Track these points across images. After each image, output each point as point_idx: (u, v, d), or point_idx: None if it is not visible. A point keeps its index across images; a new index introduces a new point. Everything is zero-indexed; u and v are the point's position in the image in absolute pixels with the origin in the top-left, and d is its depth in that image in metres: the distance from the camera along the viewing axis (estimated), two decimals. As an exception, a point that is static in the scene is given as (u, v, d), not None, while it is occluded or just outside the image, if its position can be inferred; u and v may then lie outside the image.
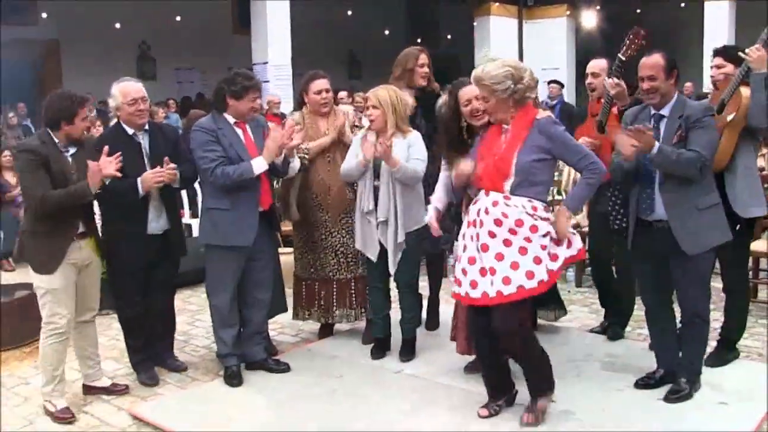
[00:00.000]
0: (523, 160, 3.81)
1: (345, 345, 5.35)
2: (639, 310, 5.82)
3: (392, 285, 5.12)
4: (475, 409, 4.14)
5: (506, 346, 3.94)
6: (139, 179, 4.41)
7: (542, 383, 4.04)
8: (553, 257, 3.84)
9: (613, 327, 5.29)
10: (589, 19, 15.92)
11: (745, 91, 4.34)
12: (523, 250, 3.79)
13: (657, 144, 3.96)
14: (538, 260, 3.79)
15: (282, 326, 5.78)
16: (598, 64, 5.15)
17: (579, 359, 4.90)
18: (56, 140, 4.27)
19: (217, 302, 4.71)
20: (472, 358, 4.64)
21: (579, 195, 4.00)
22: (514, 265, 3.77)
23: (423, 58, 5.32)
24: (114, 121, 4.75)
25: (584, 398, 4.30)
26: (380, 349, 5.10)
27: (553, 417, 4.10)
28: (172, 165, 4.47)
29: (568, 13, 16.22)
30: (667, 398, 4.21)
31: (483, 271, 3.83)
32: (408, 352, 5.03)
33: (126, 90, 4.53)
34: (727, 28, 13.92)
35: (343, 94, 10.73)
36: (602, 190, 4.88)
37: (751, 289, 6.06)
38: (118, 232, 4.56)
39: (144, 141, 4.59)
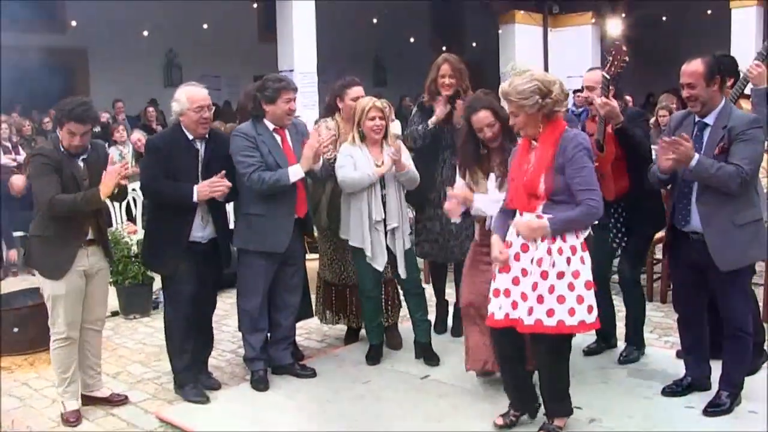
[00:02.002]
0: (550, 182, 3.73)
1: (371, 350, 5.35)
2: (666, 318, 5.82)
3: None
4: (502, 420, 4.13)
5: (541, 372, 3.94)
6: (195, 187, 4.36)
7: (561, 409, 3.96)
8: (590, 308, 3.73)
9: (627, 348, 5.00)
10: (615, 26, 15.83)
11: (745, 105, 4.31)
12: (571, 286, 3.70)
13: (696, 156, 3.83)
14: (581, 299, 3.70)
15: (308, 332, 5.80)
16: (591, 77, 4.77)
17: (607, 366, 4.87)
18: (62, 147, 4.25)
19: (248, 306, 4.73)
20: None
21: (565, 220, 3.70)
22: (561, 299, 3.69)
23: (444, 69, 5.28)
24: (173, 123, 4.62)
25: (611, 405, 4.28)
26: (377, 355, 5.13)
27: (580, 424, 4.08)
28: (227, 182, 4.39)
29: (593, 20, 16.14)
30: (706, 412, 4.13)
31: (524, 296, 3.76)
32: (431, 356, 5.03)
33: (194, 96, 4.43)
34: (754, 33, 13.77)
35: None
36: (606, 207, 4.82)
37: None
38: (162, 235, 4.50)
39: (201, 148, 4.52)
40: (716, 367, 4.29)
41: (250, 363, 4.81)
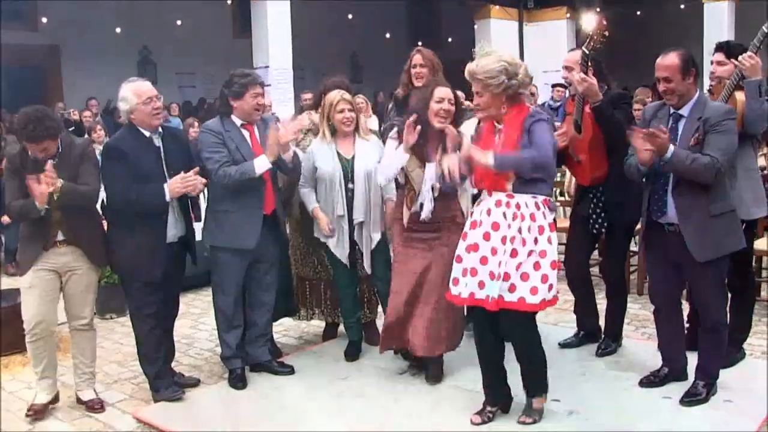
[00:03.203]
0: None
1: (349, 347, 5.33)
2: (643, 310, 5.86)
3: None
4: (476, 408, 4.14)
5: (515, 347, 3.97)
6: (165, 185, 4.30)
7: (539, 384, 4.03)
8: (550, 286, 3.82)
9: (605, 341, 5.00)
10: (589, 21, 15.92)
11: (740, 96, 4.32)
12: (537, 266, 3.77)
13: (671, 148, 3.85)
14: (545, 279, 3.78)
15: (286, 329, 5.78)
16: (571, 57, 4.71)
17: (584, 359, 4.89)
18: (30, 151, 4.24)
19: (222, 304, 4.71)
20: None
21: (510, 158, 3.74)
22: (524, 276, 3.76)
23: (416, 59, 5.27)
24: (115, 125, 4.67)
25: (589, 397, 4.30)
26: (356, 351, 5.13)
27: (559, 416, 4.10)
28: (200, 178, 4.33)
29: (568, 15, 16.23)
30: (683, 401, 4.16)
31: (492, 275, 3.80)
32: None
33: (140, 90, 4.37)
34: (726, 28, 13.91)
35: (308, 95, 10.74)
36: (585, 193, 4.86)
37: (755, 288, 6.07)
38: (136, 239, 4.36)
39: (160, 144, 4.46)
40: (692, 358, 4.33)
41: (227, 361, 4.78)
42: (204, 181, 4.38)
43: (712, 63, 4.64)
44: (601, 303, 5.13)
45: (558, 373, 4.43)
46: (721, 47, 4.61)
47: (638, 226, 4.87)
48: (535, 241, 3.77)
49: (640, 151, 3.94)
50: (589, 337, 5.09)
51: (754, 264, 6.08)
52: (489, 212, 3.85)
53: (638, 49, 13.68)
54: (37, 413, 4.38)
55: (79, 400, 4.54)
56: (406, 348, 4.59)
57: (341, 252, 4.90)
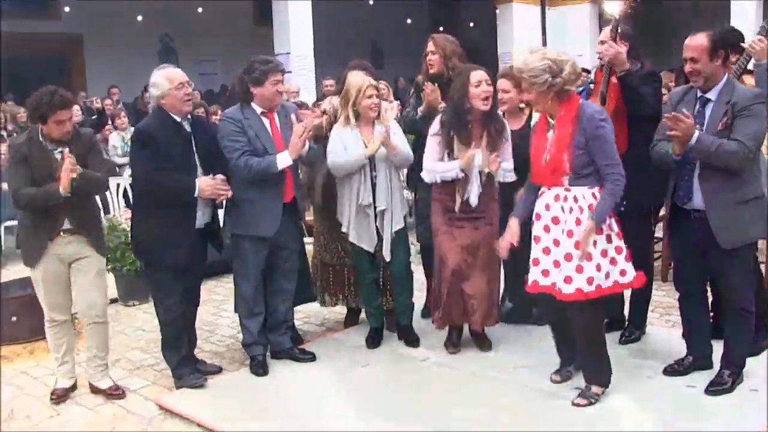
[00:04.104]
0: (572, 159, 3.88)
1: (370, 334, 5.32)
2: (667, 297, 5.80)
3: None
4: (500, 399, 4.13)
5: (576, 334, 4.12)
6: (198, 182, 4.29)
7: (597, 376, 4.11)
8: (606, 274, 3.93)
9: (629, 328, 4.97)
10: (612, 5, 15.76)
11: (749, 80, 4.24)
12: (604, 253, 3.91)
13: (696, 133, 3.78)
14: (599, 267, 3.89)
15: (307, 316, 5.78)
16: (606, 32, 4.63)
17: (608, 346, 4.78)
18: (41, 138, 4.24)
19: (243, 291, 4.71)
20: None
21: (603, 207, 3.86)
22: (579, 268, 3.89)
23: (428, 46, 5.21)
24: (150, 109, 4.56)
25: (613, 385, 4.24)
26: (377, 339, 5.12)
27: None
28: (227, 188, 4.38)
29: (590, -1, 16.05)
30: (708, 391, 4.11)
31: (556, 263, 3.96)
32: (411, 337, 5.08)
33: (172, 75, 4.37)
34: (754, 19, 13.67)
35: (329, 82, 10.78)
36: None
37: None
38: (164, 224, 4.33)
39: (189, 130, 4.44)
40: (717, 346, 4.27)
41: (248, 348, 4.79)
42: (230, 193, 4.40)
43: None
44: (626, 290, 5.07)
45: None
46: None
47: (662, 212, 4.80)
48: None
49: (674, 139, 3.85)
50: (613, 324, 5.03)
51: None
52: (548, 207, 3.99)
53: (664, 33, 13.53)
54: (60, 397, 4.46)
55: (93, 389, 4.56)
56: (460, 325, 4.86)
57: (369, 242, 4.86)
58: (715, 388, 4.10)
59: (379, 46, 19.73)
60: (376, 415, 4.11)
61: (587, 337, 4.06)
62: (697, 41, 3.91)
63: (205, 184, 4.31)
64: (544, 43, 15.72)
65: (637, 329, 4.95)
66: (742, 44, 4.25)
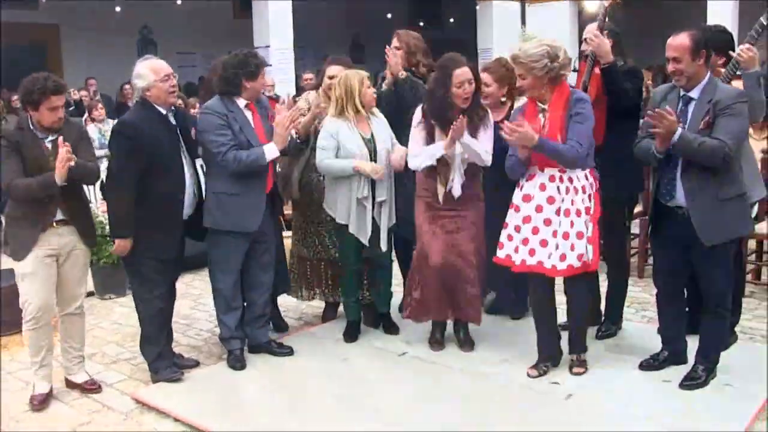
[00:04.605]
0: (565, 141, 4.07)
1: (348, 328, 5.32)
2: (643, 293, 5.85)
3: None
4: (479, 393, 4.16)
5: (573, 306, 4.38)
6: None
7: (583, 343, 4.43)
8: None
9: (605, 323, 5.01)
10: (592, 3, 15.81)
11: (737, 85, 4.27)
12: (566, 235, 4.12)
13: (679, 130, 3.82)
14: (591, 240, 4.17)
15: (285, 309, 5.76)
16: (590, 28, 4.68)
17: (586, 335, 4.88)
18: (31, 126, 4.14)
19: (221, 286, 4.69)
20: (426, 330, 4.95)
21: (551, 147, 4.05)
22: (572, 246, 4.12)
23: (393, 41, 5.26)
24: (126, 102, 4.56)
25: (589, 380, 4.29)
26: (355, 332, 5.12)
27: (557, 398, 4.11)
28: None
29: (571, -4, 16.11)
30: (683, 385, 4.15)
31: (544, 243, 4.14)
32: (390, 325, 5.17)
33: (157, 66, 4.33)
34: (730, 18, 13.76)
35: (309, 76, 10.79)
36: None
37: (753, 271, 6.07)
38: (154, 216, 4.30)
39: (174, 122, 4.43)
40: (691, 342, 4.33)
41: (226, 342, 4.78)
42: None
43: None
44: (602, 285, 5.11)
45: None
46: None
47: (638, 208, 4.85)
48: (587, 210, 4.13)
49: (657, 136, 3.89)
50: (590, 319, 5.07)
51: (755, 247, 6.09)
52: (543, 187, 4.15)
53: (643, 30, 13.60)
54: (42, 403, 4.27)
55: (68, 384, 4.51)
56: (446, 320, 4.88)
57: (365, 233, 4.84)
58: (690, 382, 4.15)
59: (360, 40, 19.70)
60: (353, 409, 4.11)
61: (582, 310, 4.36)
62: (679, 41, 3.92)
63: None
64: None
65: (614, 324, 4.99)
66: (732, 53, 4.29)
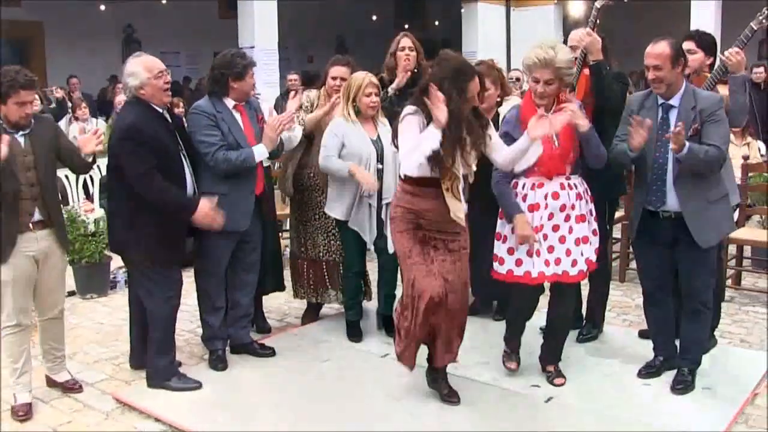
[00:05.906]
0: (578, 147, 4.11)
1: (331, 329, 5.33)
2: (624, 297, 5.89)
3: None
4: (461, 395, 4.15)
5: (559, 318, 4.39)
6: (200, 204, 4.21)
7: (559, 354, 4.42)
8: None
9: (586, 327, 5.02)
10: (577, 8, 15.89)
11: (722, 90, 4.32)
12: (578, 241, 4.14)
13: (687, 143, 3.83)
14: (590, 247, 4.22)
15: (267, 311, 5.74)
16: (574, 36, 4.74)
17: (565, 344, 4.89)
18: (1, 121, 3.98)
19: (206, 286, 4.67)
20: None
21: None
22: (568, 251, 4.14)
23: (404, 42, 5.30)
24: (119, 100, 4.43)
25: (569, 383, 4.31)
26: (358, 332, 5.14)
27: (537, 401, 4.13)
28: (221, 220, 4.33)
29: (555, 1, 16.20)
30: (675, 390, 4.17)
31: (551, 249, 4.11)
32: (392, 328, 5.03)
33: (150, 64, 4.19)
34: (713, 24, 13.89)
35: (293, 76, 11.18)
36: None
37: (733, 276, 6.13)
38: (164, 219, 4.18)
39: (170, 120, 4.35)
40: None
41: (208, 342, 4.76)
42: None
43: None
44: (583, 289, 5.14)
45: (537, 359, 4.46)
46: (691, 36, 4.59)
47: (619, 213, 4.87)
48: (590, 212, 4.19)
49: (634, 139, 3.92)
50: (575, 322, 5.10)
51: (737, 253, 6.15)
52: (556, 196, 4.09)
53: (624, 37, 13.69)
54: (27, 414, 4.10)
55: (49, 382, 4.46)
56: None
57: (370, 234, 4.87)
58: (681, 387, 4.17)
59: (345, 41, 19.71)
60: (334, 410, 4.12)
61: (567, 319, 4.41)
62: (660, 49, 3.95)
63: (204, 208, 4.21)
64: (508, 44, 15.85)
65: (594, 328, 5.02)
66: (722, 56, 4.32)
